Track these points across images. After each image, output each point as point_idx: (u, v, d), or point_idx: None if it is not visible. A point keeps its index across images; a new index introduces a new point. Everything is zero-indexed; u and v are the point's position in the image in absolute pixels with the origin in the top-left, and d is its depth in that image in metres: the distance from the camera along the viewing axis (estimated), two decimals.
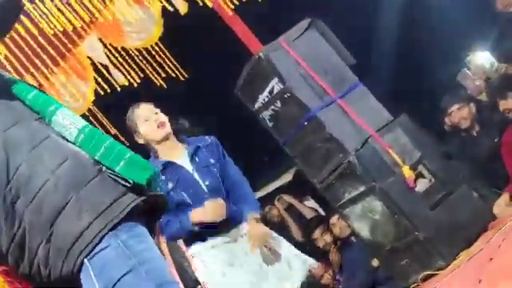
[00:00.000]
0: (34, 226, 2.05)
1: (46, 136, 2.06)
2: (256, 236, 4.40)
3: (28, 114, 2.13)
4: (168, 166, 4.38)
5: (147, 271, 2.04)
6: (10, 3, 2.12)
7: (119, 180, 2.11)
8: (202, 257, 4.35)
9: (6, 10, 2.12)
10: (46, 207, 2.01)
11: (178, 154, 4.38)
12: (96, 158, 2.09)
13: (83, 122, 2.22)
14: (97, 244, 2.01)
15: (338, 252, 6.69)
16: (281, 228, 6.83)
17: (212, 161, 4.47)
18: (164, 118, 4.34)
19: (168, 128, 4.34)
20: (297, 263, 4.59)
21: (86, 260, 2.00)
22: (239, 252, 4.42)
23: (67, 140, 2.16)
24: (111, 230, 2.03)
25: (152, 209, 2.31)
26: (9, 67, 6.74)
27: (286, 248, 4.66)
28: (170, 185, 4.35)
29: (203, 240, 4.35)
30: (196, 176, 4.35)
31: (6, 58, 6.58)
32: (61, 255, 2.05)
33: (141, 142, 4.38)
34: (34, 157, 2.02)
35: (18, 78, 2.46)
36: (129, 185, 2.11)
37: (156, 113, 4.35)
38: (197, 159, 4.43)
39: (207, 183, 4.34)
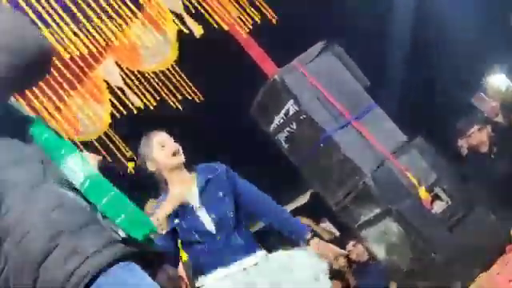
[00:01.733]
0: (20, 267, 2.00)
1: (44, 180, 2.02)
2: (329, 253, 4.18)
3: (35, 155, 2.10)
4: (179, 208, 4.25)
5: None
6: (45, 51, 2.06)
7: (113, 229, 2.07)
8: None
9: (44, 54, 2.07)
10: (33, 249, 1.96)
11: (188, 186, 4.24)
12: (98, 207, 2.07)
13: (92, 170, 2.19)
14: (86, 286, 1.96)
15: (353, 275, 6.64)
16: None
17: (220, 194, 4.26)
18: (178, 146, 4.17)
19: (182, 157, 4.17)
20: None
21: None
22: (257, 280, 4.11)
23: (69, 185, 2.12)
24: (99, 273, 1.97)
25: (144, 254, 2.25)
26: (26, 90, 6.42)
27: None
28: (182, 224, 4.18)
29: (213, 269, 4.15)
30: (201, 213, 4.22)
31: None
32: None
33: (152, 169, 4.18)
34: (29, 199, 1.98)
35: (35, 116, 2.34)
36: (121, 237, 2.08)
37: (171, 140, 4.19)
38: (206, 193, 4.27)
39: (213, 216, 4.16)
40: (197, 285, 4.17)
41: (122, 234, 2.05)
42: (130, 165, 3.74)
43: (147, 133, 4.16)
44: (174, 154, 4.04)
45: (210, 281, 4.04)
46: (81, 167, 2.10)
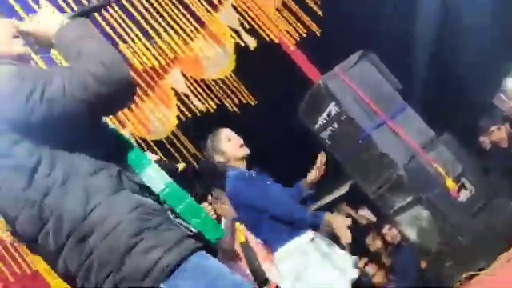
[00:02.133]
0: (106, 258, 2.10)
1: (123, 188, 2.12)
2: (343, 225, 4.49)
3: (113, 167, 2.19)
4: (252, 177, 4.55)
5: (222, 285, 2.08)
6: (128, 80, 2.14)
7: (185, 227, 2.19)
8: (277, 260, 4.43)
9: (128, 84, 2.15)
10: (120, 243, 2.05)
11: None
12: (177, 210, 2.16)
13: (169, 179, 2.29)
14: (168, 274, 2.02)
15: (388, 256, 6.74)
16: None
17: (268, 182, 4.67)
18: (242, 141, 4.51)
19: (247, 149, 4.49)
20: (350, 262, 4.59)
21: (162, 285, 2.01)
22: (311, 253, 4.46)
23: (142, 192, 2.23)
24: (180, 262, 2.05)
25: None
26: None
27: (338, 250, 4.71)
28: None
29: (285, 241, 4.43)
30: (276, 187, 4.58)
31: None
32: (133, 284, 2.09)
33: (220, 159, 4.48)
34: (112, 201, 2.07)
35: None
36: (193, 232, 2.18)
37: (236, 135, 4.52)
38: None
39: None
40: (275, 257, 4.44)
41: (194, 230, 2.14)
42: (182, 165, 3.98)
43: (214, 130, 4.50)
44: (241, 146, 4.40)
45: (279, 254, 4.38)
46: (160, 176, 2.22)
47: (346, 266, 4.48)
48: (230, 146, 4.46)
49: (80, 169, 2.15)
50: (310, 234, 4.51)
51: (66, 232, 2.11)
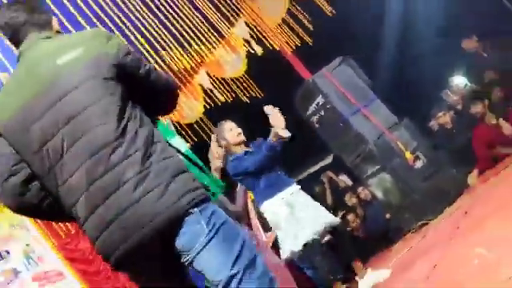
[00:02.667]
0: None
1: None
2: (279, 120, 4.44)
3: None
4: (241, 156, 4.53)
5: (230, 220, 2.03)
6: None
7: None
8: (273, 209, 4.48)
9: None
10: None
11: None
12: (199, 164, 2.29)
13: (187, 147, 2.49)
14: (193, 206, 1.93)
15: (362, 209, 7.02)
16: (319, 196, 6.80)
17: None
18: (240, 130, 4.58)
19: (243, 137, 4.58)
20: (326, 213, 4.60)
21: (196, 209, 1.93)
22: (295, 203, 4.51)
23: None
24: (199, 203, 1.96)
25: None
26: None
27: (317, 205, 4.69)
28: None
29: (272, 196, 4.47)
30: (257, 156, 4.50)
31: None
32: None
33: (223, 143, 4.58)
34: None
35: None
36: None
37: (236, 127, 4.59)
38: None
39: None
40: (261, 209, 4.54)
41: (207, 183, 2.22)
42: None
43: (221, 122, 4.67)
44: (239, 135, 4.51)
45: (268, 205, 4.44)
46: (182, 144, 2.36)
47: (319, 214, 4.53)
48: (230, 135, 4.59)
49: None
50: (292, 188, 4.58)
51: None
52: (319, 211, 4.56)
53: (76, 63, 1.94)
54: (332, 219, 4.56)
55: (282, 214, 4.46)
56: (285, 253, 4.42)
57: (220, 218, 1.96)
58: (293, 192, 4.52)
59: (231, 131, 4.52)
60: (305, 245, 4.35)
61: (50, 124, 1.90)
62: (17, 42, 2.05)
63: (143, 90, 2.08)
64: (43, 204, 2.05)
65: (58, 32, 2.10)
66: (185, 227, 1.89)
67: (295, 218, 4.44)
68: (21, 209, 2.13)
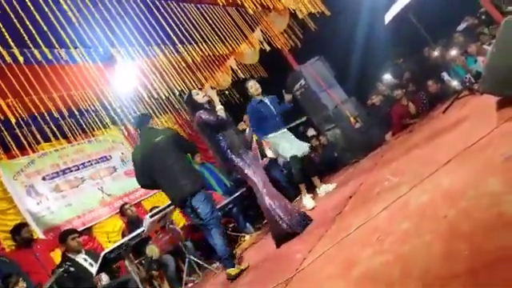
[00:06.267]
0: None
1: None
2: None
3: None
4: (261, 102, 5.00)
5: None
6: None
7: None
8: (273, 139, 4.94)
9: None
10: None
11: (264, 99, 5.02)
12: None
13: None
14: (196, 191, 2.95)
15: (321, 148, 7.82)
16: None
17: (275, 104, 5.10)
18: (259, 85, 4.94)
19: (260, 89, 4.91)
20: (304, 144, 5.08)
21: (202, 190, 3.02)
22: (287, 135, 5.04)
23: None
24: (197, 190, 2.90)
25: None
26: (203, 67, 7.44)
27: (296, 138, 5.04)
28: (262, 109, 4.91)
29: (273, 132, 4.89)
30: (271, 107, 5.04)
31: (202, 62, 7.11)
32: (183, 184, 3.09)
33: (250, 93, 4.95)
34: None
35: None
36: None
37: (256, 83, 4.97)
38: (271, 102, 5.07)
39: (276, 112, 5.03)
40: (265, 140, 4.97)
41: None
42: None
43: (247, 80, 5.12)
44: (257, 90, 4.95)
45: (270, 137, 4.97)
46: None
47: (301, 145, 5.04)
48: (253, 89, 4.94)
49: None
50: (284, 129, 5.02)
51: None
52: (300, 142, 5.08)
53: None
54: (306, 148, 5.05)
55: (281, 138, 4.94)
56: (285, 153, 4.87)
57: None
58: (284, 131, 5.10)
59: (252, 87, 5.02)
60: (293, 156, 4.90)
61: None
62: None
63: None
64: None
65: None
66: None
67: (288, 141, 4.94)
68: None
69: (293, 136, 5.16)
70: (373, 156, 6.03)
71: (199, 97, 3.97)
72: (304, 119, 7.48)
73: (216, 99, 3.95)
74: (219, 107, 3.88)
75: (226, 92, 8.39)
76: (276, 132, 5.02)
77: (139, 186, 4.04)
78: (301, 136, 6.87)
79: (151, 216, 4.52)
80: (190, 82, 6.81)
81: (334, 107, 6.93)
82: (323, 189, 5.12)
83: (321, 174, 5.95)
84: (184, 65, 6.57)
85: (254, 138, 5.92)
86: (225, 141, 3.83)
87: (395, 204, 2.72)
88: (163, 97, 6.29)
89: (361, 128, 6.81)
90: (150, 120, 4.20)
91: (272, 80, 6.76)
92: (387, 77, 8.30)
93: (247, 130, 5.48)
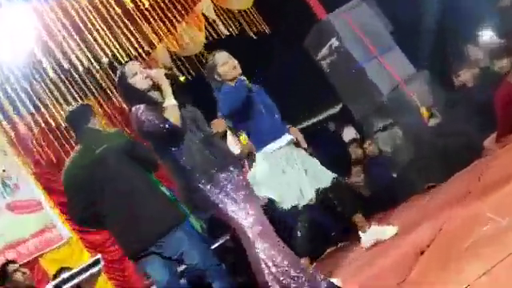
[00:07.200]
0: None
1: None
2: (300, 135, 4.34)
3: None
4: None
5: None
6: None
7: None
8: (268, 159, 4.20)
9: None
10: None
11: None
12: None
13: None
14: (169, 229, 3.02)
15: (367, 164, 6.70)
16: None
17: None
18: (236, 63, 4.20)
19: (239, 70, 4.18)
20: (324, 170, 4.34)
21: (180, 225, 3.09)
22: (290, 155, 4.29)
23: None
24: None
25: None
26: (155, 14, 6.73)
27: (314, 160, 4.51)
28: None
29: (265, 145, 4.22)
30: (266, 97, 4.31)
31: (151, 6, 6.51)
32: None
33: (218, 78, 4.20)
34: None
35: None
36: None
37: (231, 57, 4.21)
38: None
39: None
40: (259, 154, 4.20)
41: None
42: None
43: (212, 52, 4.26)
44: (234, 68, 4.09)
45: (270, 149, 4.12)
46: None
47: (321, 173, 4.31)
48: (224, 68, 4.16)
49: None
50: (286, 138, 4.28)
51: None
52: (320, 167, 4.26)
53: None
54: (329, 180, 4.19)
55: (281, 161, 4.22)
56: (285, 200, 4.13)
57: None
58: (288, 140, 4.20)
59: (226, 64, 4.11)
60: (294, 206, 4.12)
61: None
62: None
63: None
64: None
65: None
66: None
67: (294, 169, 4.21)
68: None
69: (307, 154, 4.18)
70: (462, 177, 4.88)
71: (137, 79, 3.09)
72: (337, 109, 7.63)
73: (166, 86, 3.01)
74: (170, 103, 2.94)
75: (195, 60, 7.33)
76: (279, 140, 4.02)
77: (36, 231, 3.96)
78: (331, 140, 6.97)
79: (57, 286, 3.86)
80: (130, 44, 6.13)
81: (391, 89, 5.89)
82: (373, 234, 4.21)
83: (368, 209, 5.10)
84: (119, 10, 5.76)
85: (242, 142, 4.81)
86: (185, 157, 2.99)
87: (502, 265, 2.18)
88: (81, 68, 5.57)
89: (439, 127, 5.74)
90: (91, 115, 3.57)
91: (276, 40, 6.81)
92: (486, 34, 6.87)
93: (230, 135, 5.00)
